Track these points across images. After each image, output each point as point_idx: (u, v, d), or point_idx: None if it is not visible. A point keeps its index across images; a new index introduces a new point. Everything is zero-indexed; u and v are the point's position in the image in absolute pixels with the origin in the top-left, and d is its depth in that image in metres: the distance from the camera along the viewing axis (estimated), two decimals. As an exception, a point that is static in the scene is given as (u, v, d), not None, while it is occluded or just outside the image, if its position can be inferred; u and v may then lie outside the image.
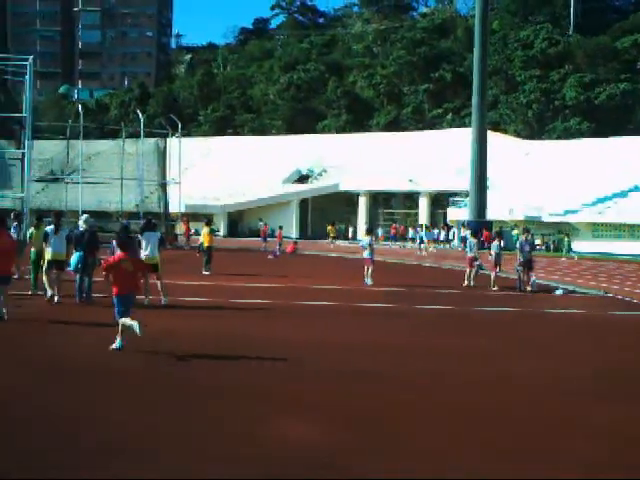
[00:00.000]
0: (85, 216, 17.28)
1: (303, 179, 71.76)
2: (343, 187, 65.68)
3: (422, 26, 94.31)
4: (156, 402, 8.11)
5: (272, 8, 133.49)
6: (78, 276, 16.15)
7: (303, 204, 66.96)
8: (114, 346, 10.78)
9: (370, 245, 22.93)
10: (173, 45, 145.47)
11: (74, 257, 16.11)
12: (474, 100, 51.55)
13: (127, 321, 10.75)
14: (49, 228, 16.44)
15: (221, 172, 70.46)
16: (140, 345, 11.09)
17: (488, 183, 52.55)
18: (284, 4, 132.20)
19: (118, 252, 12.04)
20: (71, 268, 16.21)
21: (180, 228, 48.29)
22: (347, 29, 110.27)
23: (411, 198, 67.18)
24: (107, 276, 11.08)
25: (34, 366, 9.82)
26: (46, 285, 16.16)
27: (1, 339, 11.96)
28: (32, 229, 18.32)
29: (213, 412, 7.74)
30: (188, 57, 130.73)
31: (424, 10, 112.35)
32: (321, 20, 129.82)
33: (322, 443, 6.83)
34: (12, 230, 21.16)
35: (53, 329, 13.07)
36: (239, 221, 66.59)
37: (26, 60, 44.95)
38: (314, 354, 11.18)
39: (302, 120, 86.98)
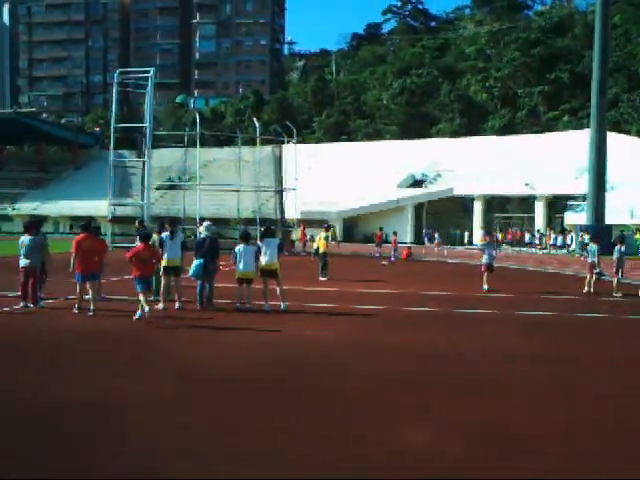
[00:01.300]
0: (206, 223, 17.52)
1: (417, 184, 71.32)
2: (457, 192, 64.96)
3: (537, 25, 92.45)
4: (275, 407, 8.08)
5: (384, 13, 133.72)
6: (199, 282, 16.43)
7: (417, 209, 66.54)
8: (135, 317, 14.32)
9: (487, 250, 22.53)
10: (286, 52, 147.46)
11: (195, 264, 16.40)
12: (593, 100, 50.02)
13: (142, 300, 14.28)
14: (165, 234, 16.79)
15: (336, 178, 70.75)
16: (263, 351, 11.20)
17: (607, 186, 50.94)
18: (396, 9, 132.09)
19: (139, 244, 15.28)
20: (192, 274, 16.50)
21: (296, 234, 48.74)
22: (459, 32, 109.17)
23: (527, 202, 65.86)
24: (131, 261, 14.71)
25: (167, 373, 9.96)
26: (160, 293, 16.59)
27: (133, 344, 12.20)
28: (154, 236, 18.70)
29: (339, 420, 7.65)
30: (301, 64, 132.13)
31: (540, 8, 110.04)
32: (433, 24, 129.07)
33: (449, 456, 6.65)
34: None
35: (181, 335, 13.27)
36: (354, 226, 66.73)
37: (147, 72, 46.33)
38: (438, 363, 10.97)
39: (416, 125, 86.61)
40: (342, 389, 9.03)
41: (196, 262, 16.35)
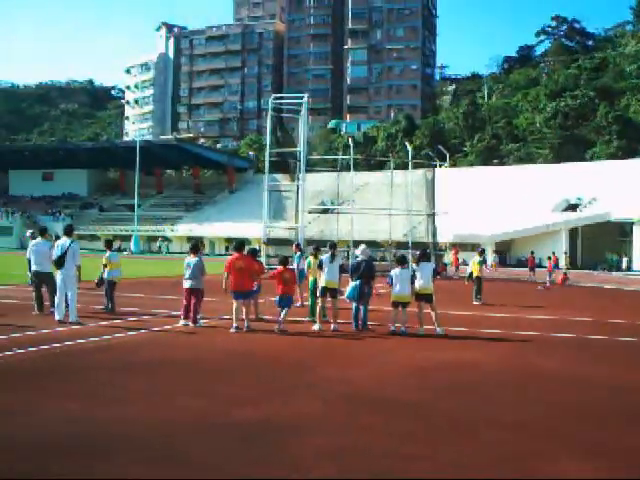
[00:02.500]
0: (362, 246, 17.75)
1: (571, 208, 69.40)
2: (615, 216, 62.75)
3: None
4: (444, 436, 8.11)
5: (537, 34, 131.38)
6: (354, 305, 16.65)
7: (572, 233, 64.70)
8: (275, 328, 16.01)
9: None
10: (437, 77, 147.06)
11: (351, 286, 16.64)
12: None
13: (283, 314, 16.27)
14: (325, 257, 17.10)
15: (488, 201, 69.84)
16: (421, 374, 11.26)
17: None
18: (550, 29, 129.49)
19: (279, 267, 16.92)
20: (347, 296, 16.74)
21: (449, 258, 48.43)
22: (619, 50, 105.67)
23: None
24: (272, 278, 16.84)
25: (326, 394, 10.15)
26: (317, 314, 16.94)
27: (291, 364, 12.51)
28: (310, 258, 19.10)
29: (496, 448, 7.60)
30: (452, 88, 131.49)
31: None
32: (590, 43, 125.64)
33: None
34: (296, 260, 22.28)
35: (337, 356, 13.48)
36: (507, 251, 65.63)
37: (301, 98, 47.42)
38: (601, 393, 10.69)
39: (570, 148, 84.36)
40: (502, 417, 8.96)
41: (352, 284, 16.60)
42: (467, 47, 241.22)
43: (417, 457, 7.11)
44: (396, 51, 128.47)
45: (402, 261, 16.89)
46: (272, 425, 8.11)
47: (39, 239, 18.46)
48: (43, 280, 18.03)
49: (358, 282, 16.53)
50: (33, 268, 18.21)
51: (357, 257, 17.63)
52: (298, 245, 24.78)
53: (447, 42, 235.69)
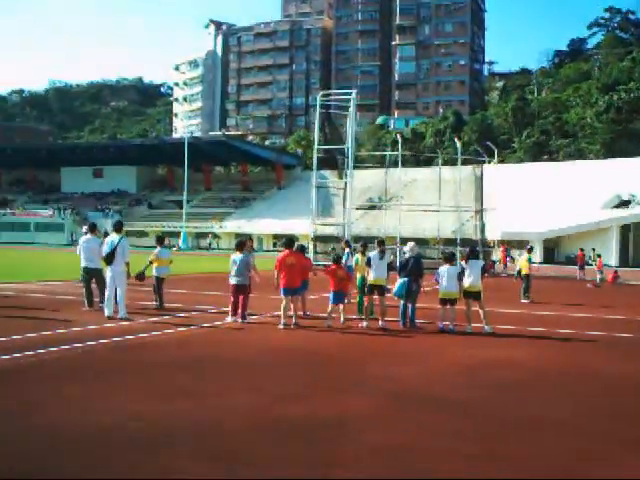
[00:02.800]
0: (411, 243, 17.68)
1: (624, 204, 68.28)
2: (671, 212, 61.64)
3: None
4: (490, 435, 8.05)
5: (589, 27, 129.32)
6: (402, 302, 16.61)
7: (623, 231, 63.67)
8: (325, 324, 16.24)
9: None
10: (486, 72, 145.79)
11: (398, 283, 16.60)
12: None
13: (330, 309, 16.71)
14: (373, 254, 17.07)
15: (536, 198, 69.04)
16: (470, 373, 11.19)
17: None
18: (603, 21, 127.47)
19: (332, 265, 17.28)
20: (395, 294, 16.70)
21: (497, 255, 48.06)
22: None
23: None
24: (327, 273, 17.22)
25: (375, 391, 10.16)
26: (364, 311, 16.93)
27: (339, 361, 12.52)
28: (357, 255, 19.08)
29: (548, 448, 7.53)
30: (501, 83, 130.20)
31: None
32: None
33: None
34: (345, 257, 22.25)
35: (385, 353, 13.46)
36: (555, 248, 64.83)
37: (349, 94, 47.39)
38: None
39: (622, 143, 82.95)
40: (555, 415, 8.87)
41: (400, 281, 16.55)
42: (516, 42, 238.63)
43: (466, 455, 7.08)
44: (444, 47, 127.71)
45: (450, 258, 16.82)
46: (321, 422, 8.14)
47: (89, 235, 18.68)
48: (92, 276, 18.29)
49: (406, 279, 16.49)
50: (83, 264, 18.43)
51: (405, 254, 17.56)
52: (347, 242, 24.80)
53: (496, 37, 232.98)
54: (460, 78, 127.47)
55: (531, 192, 70.71)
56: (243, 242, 17.90)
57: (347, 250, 22.69)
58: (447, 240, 49.51)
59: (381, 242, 17.43)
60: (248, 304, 17.20)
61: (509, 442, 7.63)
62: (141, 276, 19.22)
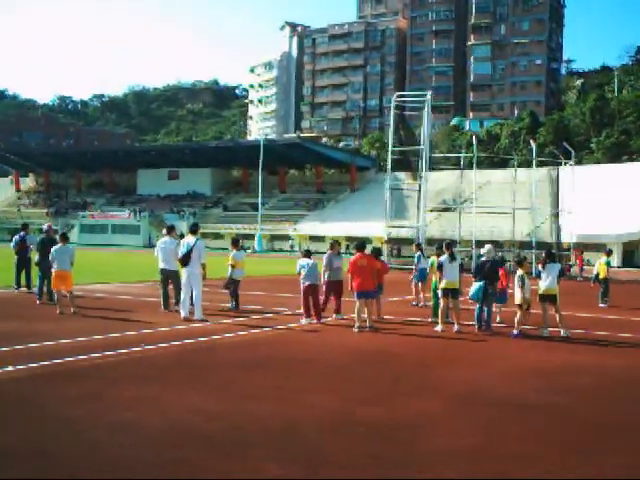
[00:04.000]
0: (488, 246, 17.54)
1: None
2: None
3: None
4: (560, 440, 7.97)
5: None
6: (478, 305, 16.49)
7: None
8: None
9: None
10: (563, 71, 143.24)
11: (475, 286, 16.47)
12: None
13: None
14: (443, 257, 16.97)
15: (615, 200, 67.59)
16: (533, 377, 11.08)
17: None
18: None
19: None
20: (471, 297, 16.60)
21: (573, 258, 47.25)
22: None
23: None
24: None
25: (448, 394, 10.14)
26: (439, 315, 16.86)
27: (414, 364, 12.51)
28: (433, 258, 18.99)
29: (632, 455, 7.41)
30: (579, 82, 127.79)
31: None
32: None
33: None
34: (416, 259, 22.26)
35: (458, 357, 13.41)
36: (635, 251, 63.37)
37: (424, 96, 47.17)
38: None
39: None
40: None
41: (476, 285, 16.43)
42: (597, 38, 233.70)
43: (540, 460, 7.04)
44: (521, 46, 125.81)
45: (521, 263, 16.77)
46: (396, 424, 8.21)
47: (166, 237, 18.88)
48: (169, 277, 18.55)
49: (482, 283, 16.36)
50: (160, 266, 18.67)
51: (482, 257, 17.42)
52: (418, 245, 24.71)
53: (575, 33, 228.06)
54: (536, 78, 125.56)
55: (609, 194, 69.23)
56: (309, 251, 18.29)
57: (418, 253, 22.66)
58: (522, 243, 48.83)
59: (450, 244, 17.35)
60: (320, 305, 17.40)
61: (588, 449, 7.57)
62: (230, 282, 19.48)
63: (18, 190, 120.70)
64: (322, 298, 17.75)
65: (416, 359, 12.91)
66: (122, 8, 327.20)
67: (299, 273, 17.39)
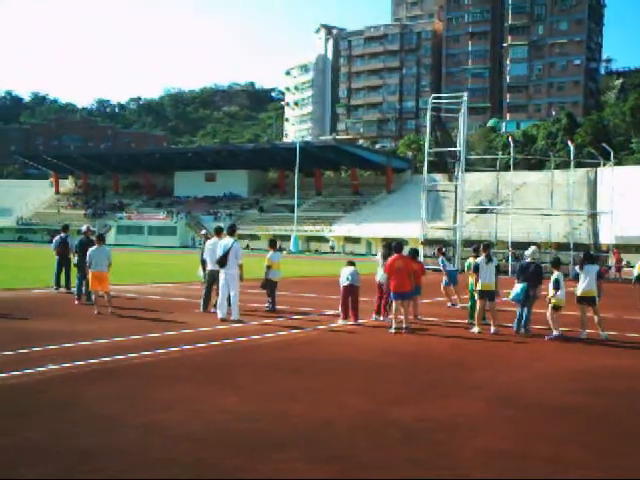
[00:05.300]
0: (533, 248, 17.44)
1: None
2: None
3: None
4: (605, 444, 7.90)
5: None
6: (519, 307, 16.39)
7: None
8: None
9: None
10: (602, 71, 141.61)
11: (517, 288, 16.35)
12: None
13: None
14: (480, 259, 16.88)
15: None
16: (571, 380, 11.00)
17: None
18: None
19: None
20: (512, 298, 16.50)
21: (611, 260, 46.80)
22: None
23: None
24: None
25: (489, 396, 10.12)
26: (475, 316, 16.80)
27: (452, 365, 12.48)
28: (470, 259, 18.92)
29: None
30: (619, 82, 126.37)
31: None
32: None
33: None
34: (441, 262, 22.37)
35: (498, 358, 13.36)
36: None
37: (460, 97, 47.01)
38: None
39: None
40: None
41: (519, 287, 16.30)
42: (637, 37, 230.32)
43: (581, 465, 6.97)
44: (558, 46, 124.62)
45: (557, 264, 16.65)
46: (431, 425, 8.17)
47: (215, 239, 18.61)
48: (216, 279, 18.38)
49: (525, 284, 16.23)
50: (209, 267, 18.53)
51: (526, 258, 17.29)
52: (440, 249, 24.98)
53: (615, 32, 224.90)
54: (574, 78, 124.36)
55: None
56: (352, 262, 18.42)
57: (441, 257, 22.79)
58: (559, 244, 48.46)
59: (487, 246, 17.26)
60: (358, 306, 17.43)
61: (625, 452, 7.48)
62: (267, 283, 19.55)
63: (57, 192, 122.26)
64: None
65: (453, 360, 12.85)
66: (159, 12, 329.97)
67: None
